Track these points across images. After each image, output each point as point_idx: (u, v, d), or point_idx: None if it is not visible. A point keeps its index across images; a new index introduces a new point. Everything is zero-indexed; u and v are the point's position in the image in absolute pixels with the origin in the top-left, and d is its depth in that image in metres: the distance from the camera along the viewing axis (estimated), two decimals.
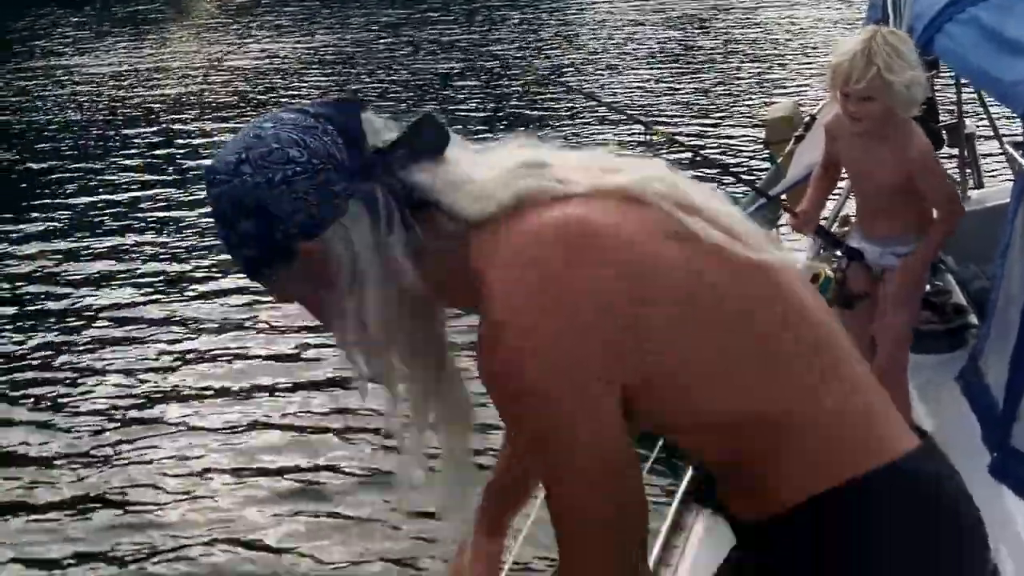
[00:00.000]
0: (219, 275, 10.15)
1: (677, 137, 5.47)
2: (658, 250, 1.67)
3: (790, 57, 18.83)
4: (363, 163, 1.68)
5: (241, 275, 1.82)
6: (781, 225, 5.98)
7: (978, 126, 6.55)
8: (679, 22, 23.26)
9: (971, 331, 4.72)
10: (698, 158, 6.42)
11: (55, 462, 7.08)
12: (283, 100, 17.93)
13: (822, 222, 4.77)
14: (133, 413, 7.73)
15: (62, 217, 12.49)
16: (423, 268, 1.69)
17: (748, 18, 23.18)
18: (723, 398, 1.71)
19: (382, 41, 23.27)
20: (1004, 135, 6.10)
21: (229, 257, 1.76)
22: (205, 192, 1.72)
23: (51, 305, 9.92)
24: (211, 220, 1.78)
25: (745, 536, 1.88)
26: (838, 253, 4.42)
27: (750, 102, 15.51)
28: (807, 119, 6.47)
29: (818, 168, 4.63)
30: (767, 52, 19.53)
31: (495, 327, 1.62)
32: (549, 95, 17.08)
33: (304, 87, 19.12)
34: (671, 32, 22.15)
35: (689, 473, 4.18)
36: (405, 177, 1.69)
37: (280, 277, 1.73)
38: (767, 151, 6.85)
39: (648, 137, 5.33)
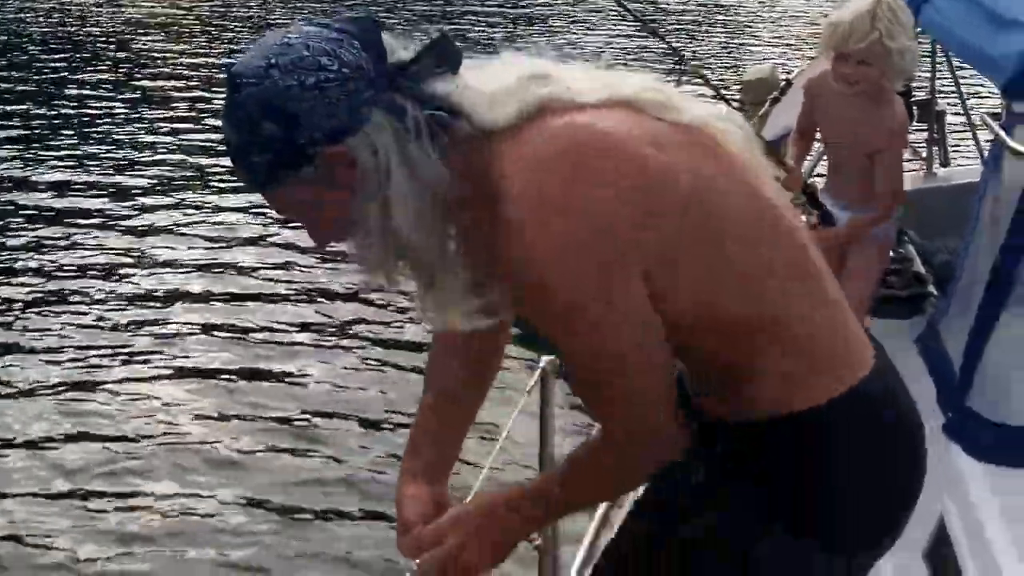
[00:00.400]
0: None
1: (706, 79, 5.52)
2: (667, 159, 1.77)
3: (764, 27, 18.91)
4: (388, 74, 1.74)
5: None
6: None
7: (948, 104, 6.65)
8: None
9: (930, 300, 4.82)
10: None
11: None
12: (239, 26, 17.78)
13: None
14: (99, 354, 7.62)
15: (16, 132, 12.33)
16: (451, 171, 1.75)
17: None
18: (721, 298, 1.83)
19: None
20: (974, 116, 6.18)
21: (236, 168, 1.78)
22: (224, 101, 1.74)
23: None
24: (218, 128, 1.79)
25: (715, 434, 1.99)
26: (810, 213, 4.48)
27: (728, 65, 15.63)
28: (783, 83, 6.54)
29: (794, 131, 4.68)
30: (743, 21, 19.60)
31: (520, 225, 1.70)
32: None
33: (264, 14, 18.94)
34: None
35: None
36: (426, 88, 1.75)
37: (295, 184, 1.75)
38: (746, 111, 6.92)
39: (679, 69, 5.43)
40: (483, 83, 1.79)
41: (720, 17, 19.17)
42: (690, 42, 18.95)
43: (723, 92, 5.70)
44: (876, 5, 4.07)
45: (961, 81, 6.37)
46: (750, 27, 18.35)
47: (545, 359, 3.19)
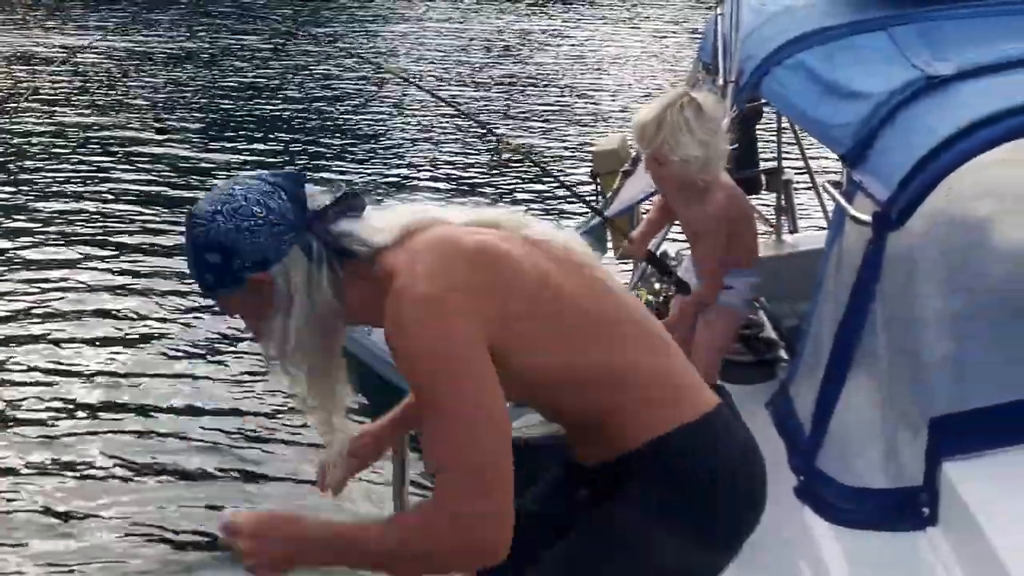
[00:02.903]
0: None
1: (526, 152, 5.59)
2: (514, 256, 2.31)
3: (617, 90, 19.26)
4: (307, 219, 2.31)
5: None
6: (609, 249, 6.14)
7: (796, 172, 6.82)
8: (506, 48, 23.57)
9: (780, 364, 4.90)
10: (545, 176, 6.57)
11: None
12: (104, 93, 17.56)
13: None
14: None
15: None
16: (342, 294, 2.32)
17: (577, 47, 23.63)
18: (565, 359, 2.32)
19: (198, 42, 22.96)
20: (820, 181, 6.35)
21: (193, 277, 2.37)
22: (184, 233, 2.33)
23: None
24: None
25: (586, 475, 2.48)
26: (661, 282, 4.55)
27: (580, 131, 15.86)
28: (634, 154, 6.63)
29: (658, 197, 4.75)
30: (596, 83, 19.93)
31: (396, 293, 2.22)
32: (387, 96, 17.23)
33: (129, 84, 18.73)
34: (499, 57, 22.43)
35: None
36: (334, 228, 2.31)
37: (231, 298, 2.35)
38: (596, 181, 7.00)
39: (497, 148, 5.48)
40: (381, 219, 2.36)
41: (532, 92, 19.44)
42: (503, 119, 19.34)
43: (543, 165, 5.77)
44: (665, 110, 4.13)
45: (807, 147, 6.55)
46: (561, 100, 18.61)
47: None
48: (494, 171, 13.31)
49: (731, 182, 4.43)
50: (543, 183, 12.18)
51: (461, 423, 2.15)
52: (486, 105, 17.76)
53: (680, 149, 4.10)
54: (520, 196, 12.60)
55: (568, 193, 5.95)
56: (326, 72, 20.34)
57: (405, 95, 17.50)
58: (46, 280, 9.90)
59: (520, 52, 23.29)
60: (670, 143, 4.11)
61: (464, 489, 2.14)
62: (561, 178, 6.17)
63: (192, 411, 7.56)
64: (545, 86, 19.59)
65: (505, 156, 5.66)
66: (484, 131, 5.42)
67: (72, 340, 8.67)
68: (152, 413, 7.51)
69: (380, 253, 2.31)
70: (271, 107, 17.82)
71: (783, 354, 5.02)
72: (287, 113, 17.43)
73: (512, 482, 2.18)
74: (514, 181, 13.10)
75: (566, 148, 14.75)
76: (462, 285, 2.20)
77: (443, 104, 5.78)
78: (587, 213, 5.62)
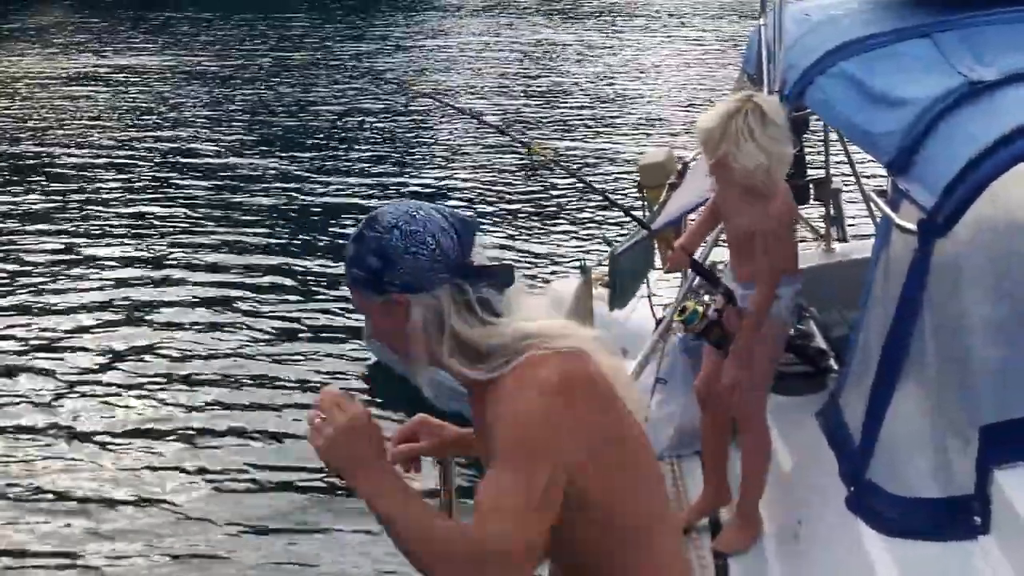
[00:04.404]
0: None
1: (559, 161, 5.61)
2: (604, 390, 2.41)
3: (666, 102, 19.22)
4: (464, 266, 2.41)
5: None
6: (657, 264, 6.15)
7: (844, 182, 6.79)
8: (543, 60, 23.62)
9: (831, 374, 4.87)
10: (580, 184, 6.58)
11: None
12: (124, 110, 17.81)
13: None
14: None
15: None
16: (456, 336, 2.41)
17: (627, 61, 23.61)
18: (611, 500, 2.37)
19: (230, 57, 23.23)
20: (867, 189, 6.32)
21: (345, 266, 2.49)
22: (362, 226, 2.45)
23: None
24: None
25: None
26: (708, 293, 4.54)
27: (627, 142, 15.87)
28: (680, 167, 6.63)
29: (706, 207, 4.74)
30: (646, 95, 19.91)
31: (534, 373, 2.34)
32: (422, 108, 17.34)
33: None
34: (537, 69, 22.49)
35: None
36: (481, 289, 2.42)
37: (367, 301, 2.45)
38: (641, 195, 7.00)
39: (530, 157, 5.50)
40: (515, 313, 2.43)
41: (565, 103, 19.48)
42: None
43: (585, 178, 5.77)
44: (729, 118, 4.12)
45: (855, 156, 6.51)
46: (605, 111, 18.63)
47: None
48: (533, 182, 13.43)
49: (787, 187, 4.41)
50: (582, 195, 12.25)
51: (516, 500, 2.27)
52: (524, 115, 17.84)
53: (744, 157, 4.10)
54: (561, 206, 12.69)
55: (611, 205, 5.93)
56: (362, 87, 20.58)
57: (437, 108, 17.63)
58: (100, 285, 10.33)
59: (560, 64, 23.31)
60: (734, 151, 4.10)
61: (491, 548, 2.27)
62: (607, 192, 6.16)
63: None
64: (587, 97, 19.60)
65: (538, 161, 5.66)
66: (523, 141, 5.40)
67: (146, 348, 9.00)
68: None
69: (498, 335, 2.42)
70: (313, 120, 18.19)
71: (832, 363, 5.00)
72: (328, 124, 17.81)
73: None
74: (554, 192, 13.19)
75: (608, 159, 14.80)
76: (560, 412, 2.32)
77: (477, 120, 5.78)
78: (631, 223, 5.60)
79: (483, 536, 2.27)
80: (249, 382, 8.46)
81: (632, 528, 2.41)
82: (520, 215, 12.71)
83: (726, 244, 4.76)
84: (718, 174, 4.29)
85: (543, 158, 5.69)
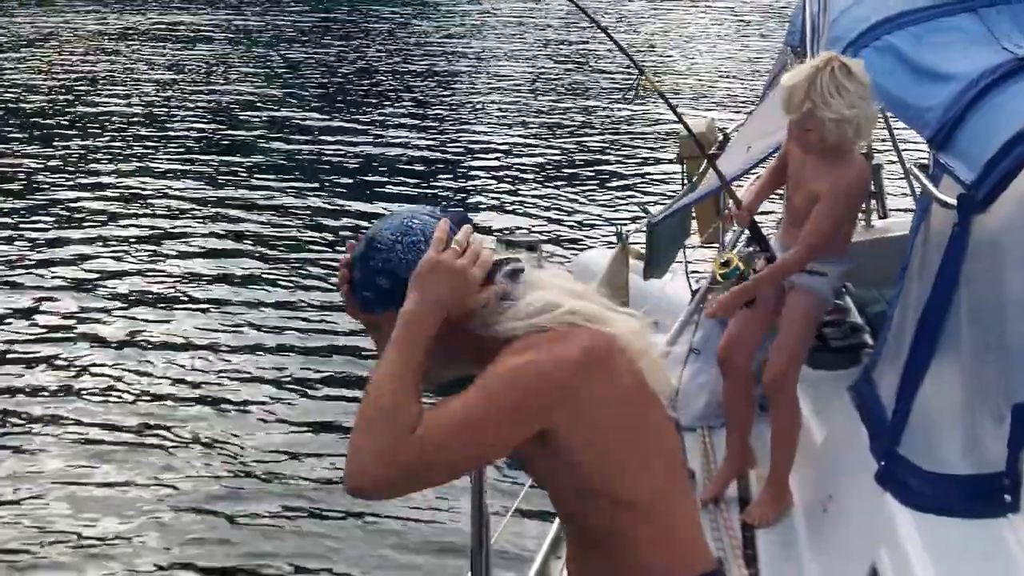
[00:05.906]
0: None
1: (665, 96, 5.56)
2: (624, 369, 2.38)
3: (704, 72, 19.15)
4: None
5: None
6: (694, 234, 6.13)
7: (886, 158, 6.75)
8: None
9: (865, 350, 4.85)
10: (675, 121, 6.50)
11: None
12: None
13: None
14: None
15: None
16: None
17: (667, 30, 23.49)
18: (615, 475, 2.36)
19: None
20: (908, 164, 6.28)
21: (350, 290, 2.47)
22: (363, 250, 2.43)
23: None
24: None
25: None
26: (754, 251, 4.51)
27: (666, 110, 15.85)
28: (720, 137, 6.60)
29: (771, 165, 4.70)
30: (684, 65, 19.84)
31: (523, 351, 2.32)
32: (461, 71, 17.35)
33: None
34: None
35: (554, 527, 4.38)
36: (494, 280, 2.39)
37: (379, 317, 2.44)
38: (682, 165, 6.98)
39: (637, 83, 5.49)
40: (529, 292, 2.40)
41: (678, 33, 19.42)
42: (649, 54, 19.26)
43: (679, 111, 5.69)
44: (816, 73, 4.09)
45: (896, 131, 6.47)
46: (707, 43, 18.58)
47: None
48: (568, 147, 13.42)
49: (865, 161, 4.35)
50: (621, 161, 12.19)
51: (468, 421, 2.27)
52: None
53: (832, 112, 4.06)
54: (597, 173, 12.66)
55: (696, 143, 5.86)
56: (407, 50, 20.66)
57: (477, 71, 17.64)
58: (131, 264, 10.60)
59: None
60: (820, 104, 4.06)
61: (418, 441, 2.25)
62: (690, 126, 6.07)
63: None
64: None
65: (645, 90, 5.55)
66: (638, 65, 5.31)
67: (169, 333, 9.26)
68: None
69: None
70: (360, 79, 18.37)
71: (868, 339, 4.98)
72: (367, 84, 18.24)
73: (423, 483, 2.32)
74: (591, 158, 13.17)
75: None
76: (566, 365, 2.31)
77: (604, 32, 5.68)
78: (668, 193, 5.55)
79: (417, 437, 2.25)
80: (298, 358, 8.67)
81: (643, 503, 2.39)
82: (557, 180, 12.71)
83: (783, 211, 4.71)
84: (799, 136, 4.23)
85: (652, 88, 5.60)
